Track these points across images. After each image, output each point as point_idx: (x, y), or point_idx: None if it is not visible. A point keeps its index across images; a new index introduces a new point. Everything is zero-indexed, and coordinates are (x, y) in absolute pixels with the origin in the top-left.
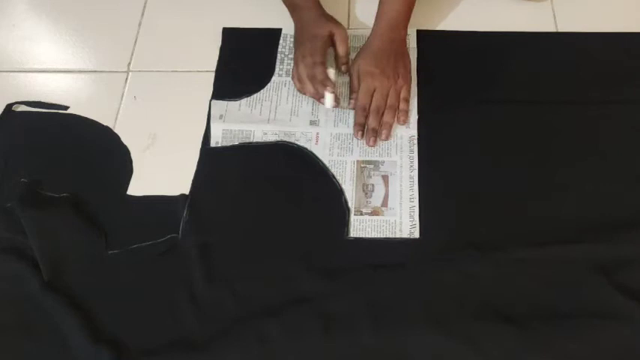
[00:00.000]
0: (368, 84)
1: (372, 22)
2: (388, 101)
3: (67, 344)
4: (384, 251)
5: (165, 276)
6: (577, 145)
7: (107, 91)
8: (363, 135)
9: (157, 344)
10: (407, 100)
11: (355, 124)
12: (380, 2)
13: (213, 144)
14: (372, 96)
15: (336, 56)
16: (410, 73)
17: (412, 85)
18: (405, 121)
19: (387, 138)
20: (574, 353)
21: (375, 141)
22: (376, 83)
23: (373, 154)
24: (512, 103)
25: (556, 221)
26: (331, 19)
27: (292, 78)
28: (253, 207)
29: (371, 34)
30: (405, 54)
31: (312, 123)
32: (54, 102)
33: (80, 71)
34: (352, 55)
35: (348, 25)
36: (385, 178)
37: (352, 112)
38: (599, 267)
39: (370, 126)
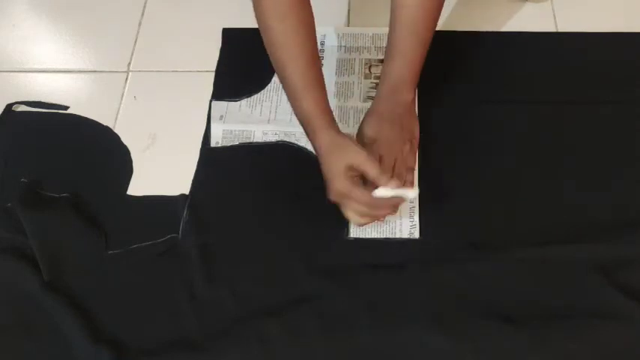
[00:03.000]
0: (373, 152)
1: (372, 21)
2: (395, 170)
3: (67, 344)
4: (384, 251)
5: (165, 276)
6: (577, 145)
7: (107, 91)
8: None
9: (157, 344)
10: (412, 170)
11: None
12: (384, 63)
13: (213, 144)
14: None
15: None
16: (417, 139)
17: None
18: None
19: (396, 212)
20: (574, 353)
21: (383, 216)
22: (381, 151)
23: None
24: (512, 103)
25: (556, 221)
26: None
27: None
28: (253, 207)
29: (375, 97)
30: (411, 118)
31: None
32: (54, 102)
33: (80, 71)
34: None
35: (348, 24)
36: None
37: (352, 112)
38: (599, 267)
39: None
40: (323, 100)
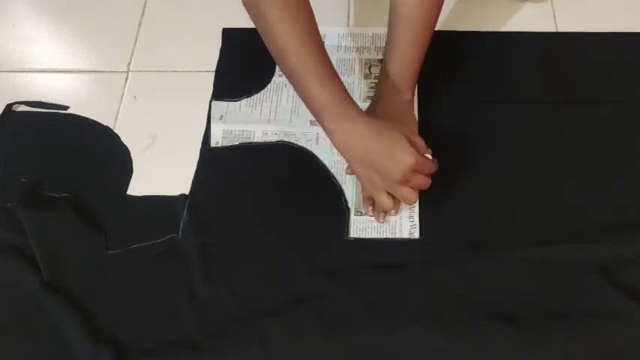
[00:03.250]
0: None
1: (372, 21)
2: None
3: (67, 344)
4: (384, 251)
5: (165, 276)
6: (577, 145)
7: (107, 91)
8: (374, 209)
9: (157, 344)
10: None
11: (364, 198)
12: (383, 62)
13: (213, 144)
14: None
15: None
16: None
17: None
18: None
19: (397, 213)
20: (574, 353)
21: (384, 217)
22: None
23: None
24: (512, 103)
25: (556, 221)
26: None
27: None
28: (253, 207)
29: (373, 97)
30: (410, 119)
31: (313, 123)
32: (54, 102)
33: (80, 71)
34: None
35: (348, 24)
36: None
37: None
38: (599, 267)
39: None
40: (343, 86)
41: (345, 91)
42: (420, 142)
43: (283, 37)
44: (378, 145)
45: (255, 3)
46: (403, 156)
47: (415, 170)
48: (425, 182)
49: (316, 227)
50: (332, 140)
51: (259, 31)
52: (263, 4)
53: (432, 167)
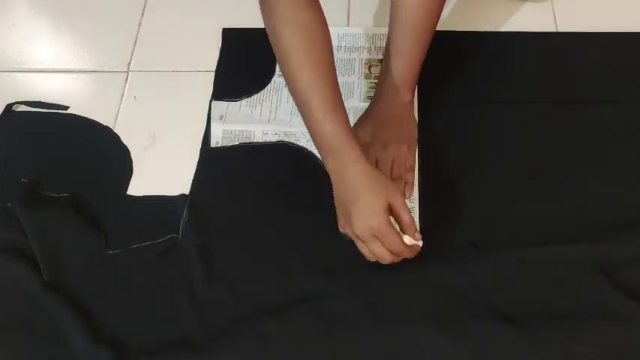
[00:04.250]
0: (369, 155)
1: (372, 21)
2: (394, 171)
3: (67, 344)
4: None
5: (165, 276)
6: (577, 145)
7: (107, 91)
8: None
9: (157, 344)
10: (413, 170)
11: None
12: (383, 63)
13: (213, 144)
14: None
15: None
16: (416, 141)
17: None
18: (411, 195)
19: None
20: (574, 353)
21: None
22: (376, 153)
23: None
24: (512, 103)
25: (556, 221)
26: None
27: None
28: (253, 207)
29: (373, 97)
30: (410, 120)
31: None
32: (54, 102)
33: (80, 71)
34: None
35: (348, 24)
36: None
37: (352, 112)
38: (599, 267)
39: None
40: (347, 122)
41: (348, 125)
42: (406, 217)
43: (294, 62)
44: (355, 194)
45: (268, 10)
46: (368, 215)
47: (375, 236)
48: (383, 256)
49: (316, 227)
50: (325, 166)
51: (268, 32)
52: (275, 17)
53: (399, 247)
